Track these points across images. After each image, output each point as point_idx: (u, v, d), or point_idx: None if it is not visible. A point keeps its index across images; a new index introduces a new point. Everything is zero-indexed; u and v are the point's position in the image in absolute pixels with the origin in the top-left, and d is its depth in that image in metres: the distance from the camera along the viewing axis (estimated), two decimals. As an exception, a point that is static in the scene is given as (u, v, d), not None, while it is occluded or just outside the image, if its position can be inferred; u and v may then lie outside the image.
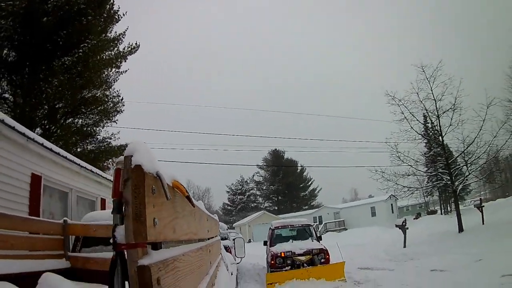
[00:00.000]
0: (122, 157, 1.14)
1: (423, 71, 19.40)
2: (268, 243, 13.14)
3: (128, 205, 1.06)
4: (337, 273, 10.55)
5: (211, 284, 1.96)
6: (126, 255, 1.08)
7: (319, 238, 13.22)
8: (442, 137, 20.18)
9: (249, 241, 37.24)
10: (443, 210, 46.45)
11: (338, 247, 12.68)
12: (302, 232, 13.48)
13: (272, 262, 11.40)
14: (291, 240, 12.33)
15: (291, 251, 11.44)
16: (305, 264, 11.12)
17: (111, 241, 1.09)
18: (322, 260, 11.36)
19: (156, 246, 1.20)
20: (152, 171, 1.17)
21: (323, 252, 11.52)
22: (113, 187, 1.12)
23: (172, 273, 1.26)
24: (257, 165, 59.01)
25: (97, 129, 19.52)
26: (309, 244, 12.14)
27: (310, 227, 13.81)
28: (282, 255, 11.32)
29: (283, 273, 10.44)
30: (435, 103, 19.55)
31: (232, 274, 5.56)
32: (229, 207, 60.14)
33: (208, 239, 3.59)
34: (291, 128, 74.55)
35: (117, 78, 19.64)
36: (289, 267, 11.16)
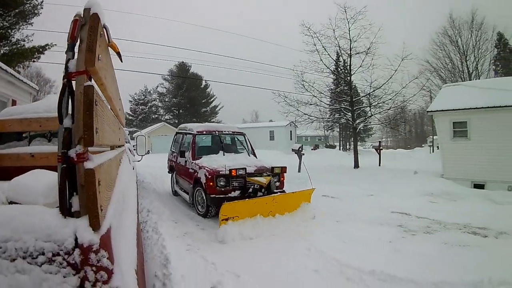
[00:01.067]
0: (80, 11, 1.38)
1: (345, 11, 19.58)
2: (190, 154, 9.36)
3: (82, 42, 1.30)
4: (298, 205, 8.26)
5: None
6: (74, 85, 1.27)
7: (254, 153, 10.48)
8: (350, 76, 20.76)
9: (148, 152, 36.74)
10: (342, 147, 49.50)
11: (305, 167, 10.60)
12: (234, 143, 10.87)
13: (211, 184, 7.86)
14: (221, 153, 9.43)
15: (242, 168, 8.10)
16: (263, 190, 7.92)
17: (63, 71, 1.28)
18: (277, 184, 8.67)
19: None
20: (101, 22, 1.45)
21: (280, 171, 8.75)
22: (70, 33, 1.32)
23: (104, 176, 1.43)
24: (161, 76, 57.83)
25: (12, 31, 19.40)
26: (253, 160, 9.38)
27: (244, 136, 10.70)
28: (233, 173, 7.85)
29: (244, 203, 7.13)
30: (350, 43, 19.95)
31: (133, 168, 5.54)
32: (131, 117, 58.54)
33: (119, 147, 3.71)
34: (201, 42, 77.68)
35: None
36: (238, 192, 8.06)
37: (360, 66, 20.24)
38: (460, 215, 8.67)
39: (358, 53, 20.13)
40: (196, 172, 8.67)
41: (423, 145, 56.76)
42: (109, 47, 1.88)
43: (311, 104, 20.55)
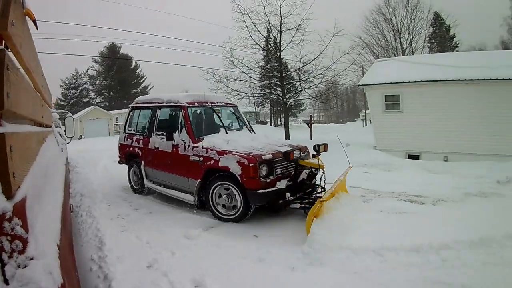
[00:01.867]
0: None
1: None
2: (188, 135, 6.96)
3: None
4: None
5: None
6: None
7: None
8: (280, 52, 20.84)
9: (80, 138, 35.35)
10: (273, 123, 50.33)
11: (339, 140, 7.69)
12: (230, 118, 9.50)
13: (254, 175, 5.82)
14: (223, 131, 7.44)
15: (297, 149, 6.91)
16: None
17: None
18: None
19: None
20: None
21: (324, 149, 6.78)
22: None
23: (19, 145, 1.36)
24: (91, 58, 55.87)
25: None
26: (265, 138, 7.48)
27: (237, 108, 8.83)
28: (291, 156, 6.35)
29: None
30: (281, 19, 19.93)
31: (62, 150, 5.27)
32: (62, 103, 56.29)
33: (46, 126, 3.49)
34: (131, 22, 75.81)
35: None
36: (285, 181, 6.26)
37: (290, 42, 20.37)
38: (395, 184, 8.89)
39: (288, 29, 20.20)
40: (210, 161, 6.39)
41: (355, 119, 58.91)
42: (26, 16, 1.80)
43: (240, 81, 20.52)
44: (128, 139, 8.65)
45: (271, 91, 22.50)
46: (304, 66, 20.45)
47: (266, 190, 5.85)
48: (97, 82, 59.27)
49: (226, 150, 6.25)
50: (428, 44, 43.35)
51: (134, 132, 8.68)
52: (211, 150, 6.41)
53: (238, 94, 20.69)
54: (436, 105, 13.94)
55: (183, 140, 6.97)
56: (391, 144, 14.77)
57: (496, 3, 54.39)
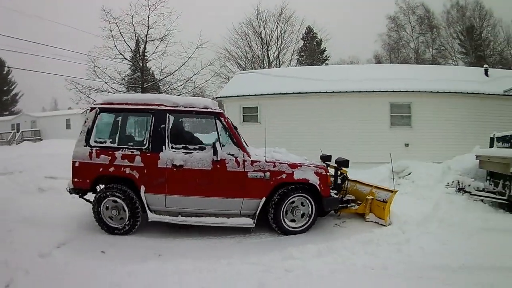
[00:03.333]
0: None
1: None
2: (238, 145, 6.27)
3: None
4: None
5: None
6: None
7: None
8: (143, 62, 21.25)
9: None
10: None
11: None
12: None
13: (328, 182, 6.54)
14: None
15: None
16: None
17: None
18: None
19: None
20: None
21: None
22: None
23: None
24: None
25: None
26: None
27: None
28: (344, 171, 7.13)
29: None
30: (147, 30, 20.07)
31: None
32: None
33: None
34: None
35: None
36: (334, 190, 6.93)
37: (153, 53, 20.71)
38: None
39: (153, 40, 20.42)
40: (281, 175, 6.17)
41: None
42: None
43: (102, 91, 20.02)
44: (102, 155, 6.19)
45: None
46: (165, 77, 21.00)
47: (335, 196, 6.59)
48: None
49: (297, 163, 6.33)
50: (297, 57, 46.05)
51: (114, 146, 6.36)
52: (281, 163, 6.23)
53: None
54: (293, 116, 15.35)
55: (231, 154, 6.18)
56: (248, 153, 15.85)
57: (372, 21, 61.13)
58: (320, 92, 15.53)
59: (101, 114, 6.43)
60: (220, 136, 6.13)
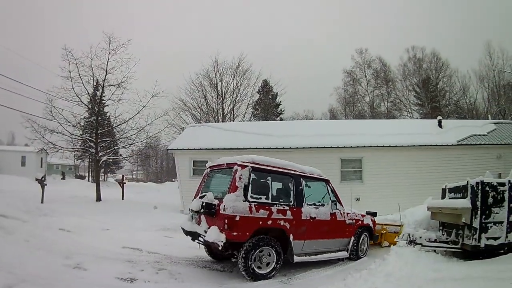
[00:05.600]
0: None
1: (109, 42, 19.69)
2: (341, 203, 9.02)
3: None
4: None
5: None
6: None
7: None
8: (98, 107, 21.30)
9: None
10: (91, 178, 48.58)
11: None
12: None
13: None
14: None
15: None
16: None
17: None
18: None
19: None
20: None
21: None
22: None
23: None
24: None
25: None
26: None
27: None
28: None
29: None
30: (105, 74, 20.14)
31: None
32: None
33: None
34: None
35: None
36: None
37: (109, 99, 20.68)
38: (194, 249, 9.15)
39: (110, 85, 20.45)
40: (359, 221, 9.37)
41: (173, 180, 59.79)
42: None
43: (57, 133, 19.76)
44: (261, 210, 7.02)
45: (85, 147, 22.03)
46: (119, 124, 20.86)
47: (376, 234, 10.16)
48: None
49: (362, 214, 9.59)
50: (252, 110, 46.84)
51: (269, 201, 7.33)
52: (357, 214, 9.32)
53: (54, 146, 20.10)
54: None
55: (338, 209, 8.70)
56: (197, 209, 15.68)
57: (328, 75, 63.59)
58: (270, 148, 16.01)
59: (253, 172, 7.26)
60: (330, 196, 8.69)
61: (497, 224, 7.67)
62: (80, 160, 49.04)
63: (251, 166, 7.18)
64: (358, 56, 52.18)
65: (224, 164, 7.72)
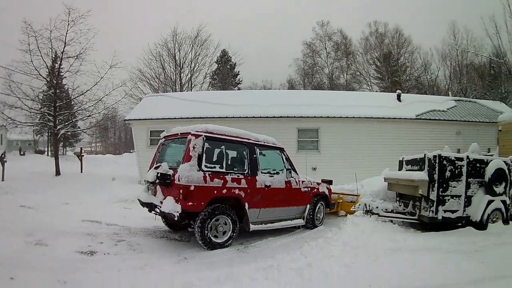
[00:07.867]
0: None
1: (69, 13, 19.05)
2: (296, 172, 9.06)
3: None
4: None
5: None
6: None
7: None
8: (57, 80, 20.81)
9: None
10: (51, 153, 47.44)
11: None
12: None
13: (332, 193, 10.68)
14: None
15: None
16: None
17: None
18: None
19: None
20: None
21: None
22: None
23: None
24: None
25: None
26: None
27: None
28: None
29: None
30: (64, 46, 19.62)
31: None
32: None
33: None
34: None
35: None
36: None
37: (68, 71, 20.23)
38: (151, 220, 9.12)
39: (69, 57, 19.90)
40: (314, 189, 9.49)
41: (131, 151, 59.06)
42: None
43: (16, 107, 19.26)
44: (216, 179, 7.04)
45: (44, 121, 21.41)
46: (77, 96, 20.48)
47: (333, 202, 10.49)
48: None
49: (318, 182, 9.78)
50: (210, 80, 46.75)
51: (223, 170, 7.32)
52: (312, 182, 9.47)
53: (13, 122, 19.63)
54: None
55: (293, 177, 8.80)
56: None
57: (288, 47, 63.32)
58: (227, 117, 15.96)
59: (207, 142, 7.21)
60: (284, 164, 8.74)
61: (454, 198, 8.00)
62: (39, 135, 47.61)
63: (205, 136, 7.17)
64: (320, 29, 52.43)
65: (178, 133, 7.64)
